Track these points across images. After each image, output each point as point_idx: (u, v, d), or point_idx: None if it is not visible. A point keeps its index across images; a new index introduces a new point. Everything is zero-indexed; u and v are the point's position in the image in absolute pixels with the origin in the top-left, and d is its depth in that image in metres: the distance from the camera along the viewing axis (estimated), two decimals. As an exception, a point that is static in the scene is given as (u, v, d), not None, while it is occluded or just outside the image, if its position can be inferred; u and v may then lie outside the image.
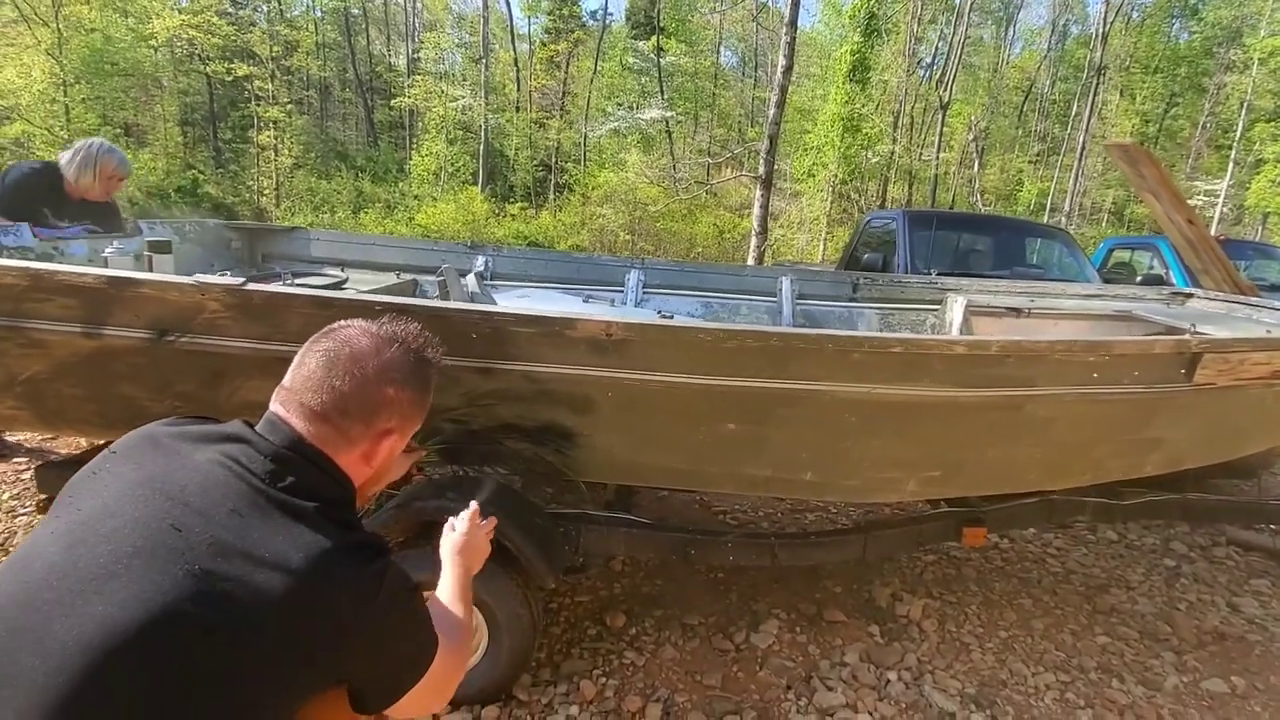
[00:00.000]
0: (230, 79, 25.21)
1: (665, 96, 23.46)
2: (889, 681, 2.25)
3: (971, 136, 22.91)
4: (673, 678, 2.24)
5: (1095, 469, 2.21)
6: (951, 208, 21.39)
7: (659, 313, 2.29)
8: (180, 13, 24.09)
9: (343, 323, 1.01)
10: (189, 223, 3.50)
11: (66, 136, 20.25)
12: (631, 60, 25.58)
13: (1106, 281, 5.28)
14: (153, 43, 23.62)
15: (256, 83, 25.62)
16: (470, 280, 2.69)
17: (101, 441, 2.34)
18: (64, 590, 0.75)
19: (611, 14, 30.26)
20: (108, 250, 2.43)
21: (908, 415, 1.91)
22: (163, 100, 26.29)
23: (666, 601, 2.67)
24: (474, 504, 1.31)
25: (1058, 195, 21.79)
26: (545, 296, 3.23)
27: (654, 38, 24.17)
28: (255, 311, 1.74)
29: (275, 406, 0.95)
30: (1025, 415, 1.98)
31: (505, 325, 1.75)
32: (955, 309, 3.48)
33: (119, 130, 23.25)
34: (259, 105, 25.57)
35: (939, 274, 4.11)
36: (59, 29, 19.57)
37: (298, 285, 3.16)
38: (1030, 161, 25.65)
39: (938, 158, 21.18)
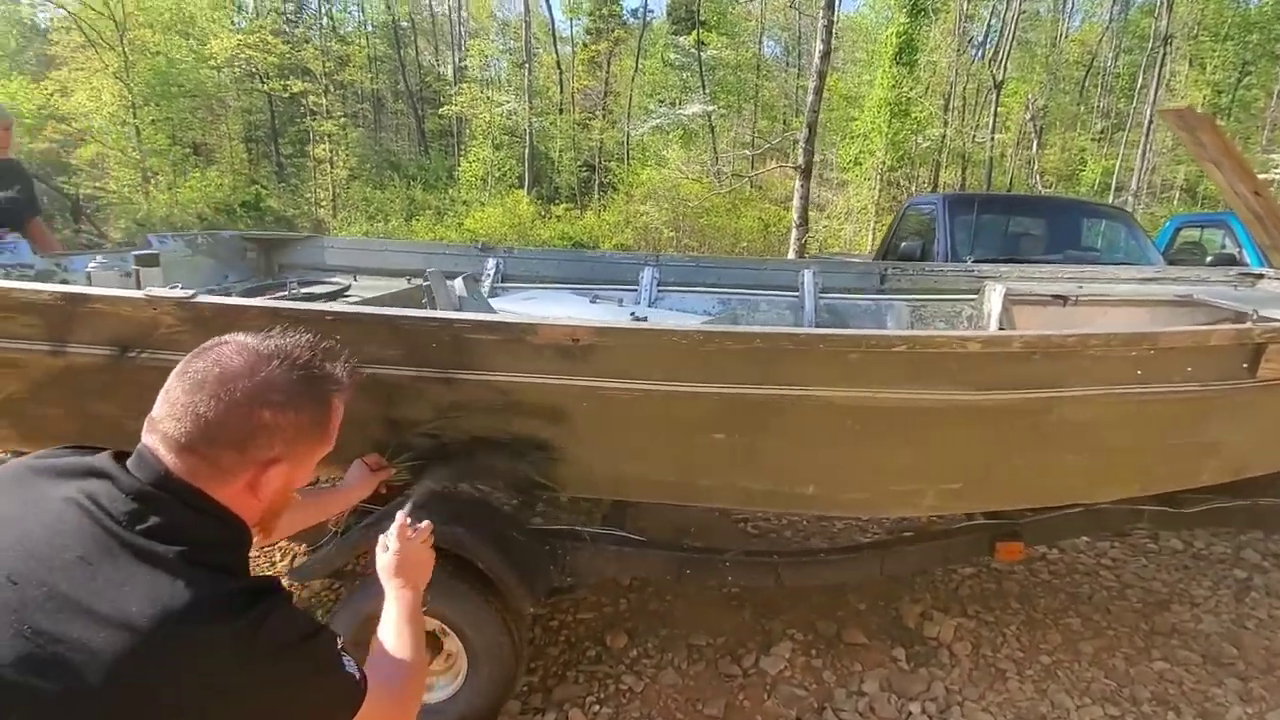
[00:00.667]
0: (288, 96, 26.19)
1: (707, 90, 23.15)
2: (910, 715, 2.04)
3: (1029, 115, 21.74)
4: (671, 706, 2.09)
5: (1144, 478, 1.94)
6: (1009, 190, 20.38)
7: (632, 315, 2.13)
8: (237, 33, 25.13)
9: (219, 339, 0.88)
10: (201, 235, 3.52)
11: (139, 157, 21.41)
12: (673, 56, 25.36)
13: (1173, 263, 4.84)
14: (213, 63, 24.68)
15: (311, 98, 26.53)
16: (457, 284, 2.59)
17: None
18: None
19: (652, 11, 30.05)
20: (91, 264, 2.43)
21: (918, 421, 1.70)
22: (227, 119, 27.48)
23: (674, 619, 2.51)
24: (400, 514, 1.19)
25: (1124, 173, 20.40)
26: (550, 298, 3.11)
27: (695, 32, 23.89)
28: (209, 324, 1.66)
29: (144, 437, 0.84)
30: (1057, 420, 1.74)
31: (464, 333, 1.62)
32: (993, 298, 3.19)
33: (188, 149, 24.41)
34: (314, 120, 26.46)
35: (977, 261, 3.81)
36: (125, 53, 20.62)
37: (301, 294, 3.13)
38: (1094, 139, 24.11)
39: (992, 139, 20.19)
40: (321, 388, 0.91)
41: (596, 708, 2.06)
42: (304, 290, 3.18)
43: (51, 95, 21.50)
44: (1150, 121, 18.16)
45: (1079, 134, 24.41)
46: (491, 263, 3.63)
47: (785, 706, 2.08)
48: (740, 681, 2.19)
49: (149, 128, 21.71)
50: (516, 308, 2.85)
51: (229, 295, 3.18)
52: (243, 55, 25.09)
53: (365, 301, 2.78)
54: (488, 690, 1.89)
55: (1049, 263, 3.86)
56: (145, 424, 0.85)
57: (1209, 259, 5.35)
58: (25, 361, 1.84)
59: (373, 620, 1.77)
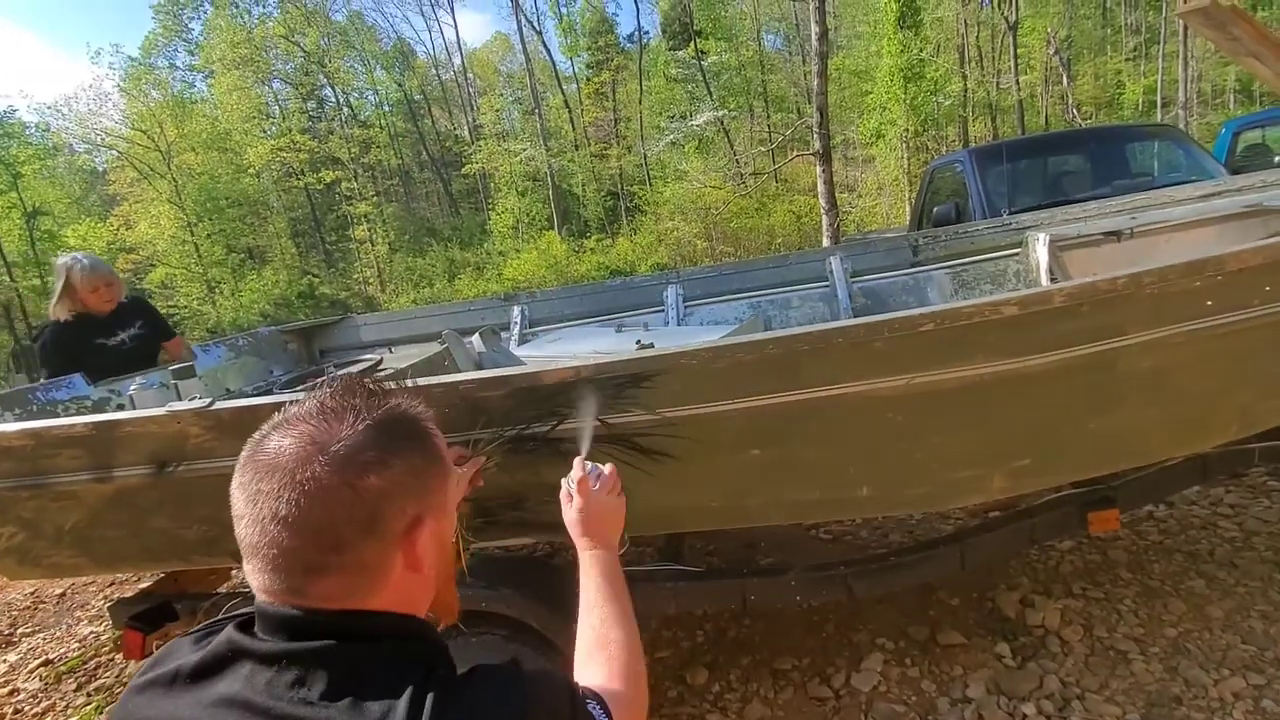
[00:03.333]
0: (321, 187, 27.67)
1: (714, 97, 23.15)
2: (1025, 717, 1.86)
3: (1052, 50, 20.78)
4: (762, 741, 1.97)
5: (1242, 418, 1.73)
6: (1047, 130, 19.45)
7: (638, 343, 2.06)
8: (269, 139, 26.76)
9: (254, 439, 0.69)
10: (242, 336, 3.66)
11: (201, 271, 22.91)
12: (674, 71, 25.55)
13: (1236, 172, 4.45)
14: (251, 171, 26.31)
15: (344, 184, 27.95)
16: (475, 340, 2.60)
17: (157, 575, 2.41)
18: None
19: (647, 31, 30.47)
20: (131, 387, 2.53)
21: (965, 401, 1.56)
22: (272, 220, 29.21)
23: (755, 645, 2.39)
24: (578, 461, 1.07)
25: (1168, 88, 19.19)
26: (577, 335, 3.08)
27: (692, 43, 24.01)
28: (231, 428, 1.69)
29: (253, 585, 0.67)
30: (1124, 372, 1.57)
31: (474, 392, 1.59)
32: (1038, 249, 2.99)
33: (243, 255, 26.02)
34: (350, 204, 27.81)
35: (1015, 212, 3.59)
36: (174, 178, 22.24)
37: (339, 376, 3.19)
38: (1128, 59, 22.82)
39: (1017, 83, 19.36)
40: (405, 421, 0.73)
41: (684, 753, 1.96)
42: (340, 372, 3.25)
43: (118, 230, 23.34)
44: (1187, 28, 17.03)
45: (1111, 57, 23.19)
46: (517, 310, 3.64)
47: (885, 725, 1.93)
48: (833, 704, 2.05)
49: (205, 242, 23.24)
50: (543, 351, 2.83)
51: (272, 390, 3.29)
52: (277, 159, 26.67)
53: (395, 374, 2.81)
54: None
55: (1100, 198, 3.60)
56: (246, 573, 0.67)
57: (1277, 159, 4.90)
58: (80, 492, 1.91)
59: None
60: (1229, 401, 1.69)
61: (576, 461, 1.07)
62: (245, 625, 0.66)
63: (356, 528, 0.64)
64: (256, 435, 0.69)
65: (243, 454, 0.68)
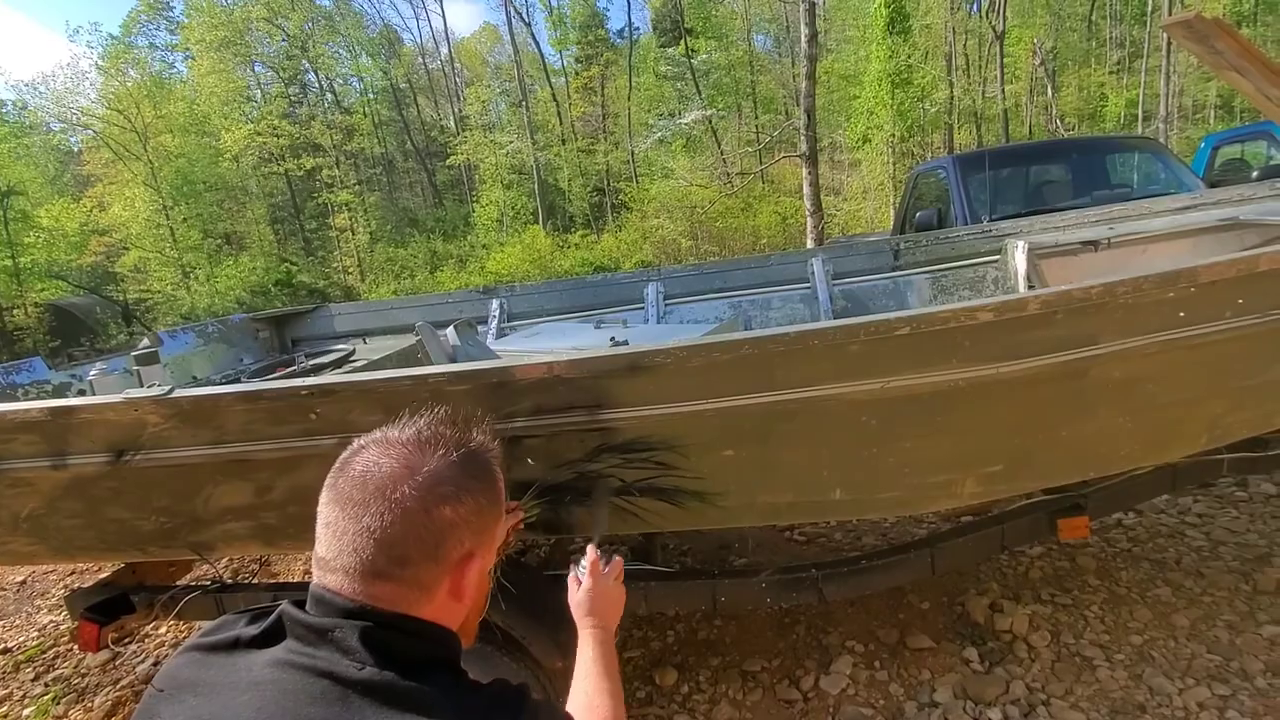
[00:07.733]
0: (301, 173, 27.27)
1: (703, 95, 23.14)
2: (990, 722, 1.86)
3: (1037, 61, 21.01)
4: (729, 743, 1.95)
5: (1212, 429, 1.74)
6: (1030, 139, 19.67)
7: (612, 339, 2.04)
8: (247, 123, 26.27)
9: (355, 446, 0.78)
10: (211, 323, 3.58)
11: (176, 255, 22.46)
12: (664, 68, 25.50)
13: (1215, 185, 4.52)
14: (229, 155, 25.81)
15: (324, 172, 27.54)
16: (449, 333, 2.55)
17: (116, 566, 2.34)
18: None
19: (637, 27, 30.36)
20: (92, 372, 2.46)
21: (939, 405, 1.56)
22: (251, 205, 28.71)
23: (725, 647, 2.38)
24: (591, 548, 1.16)
25: (1150, 101, 19.50)
26: (555, 331, 3.04)
27: (682, 41, 23.97)
28: (192, 417, 1.64)
29: (318, 576, 0.75)
30: (1096, 381, 1.57)
31: (444, 385, 1.56)
32: (1017, 256, 3.01)
33: (220, 241, 25.55)
34: (330, 192, 27.42)
35: (996, 219, 3.61)
36: (150, 160, 21.74)
37: (310, 366, 3.13)
38: (1111, 72, 23.12)
39: (1002, 92, 19.55)
40: (482, 461, 0.80)
41: (651, 755, 1.95)
42: (312, 362, 3.19)
43: (90, 211, 22.77)
44: (1169, 43, 17.32)
45: (1094, 70, 23.49)
46: (495, 304, 3.60)
47: (853, 729, 1.93)
48: (801, 707, 2.04)
49: (181, 226, 22.73)
50: (519, 346, 2.79)
51: (240, 378, 3.22)
52: (255, 143, 26.20)
53: (368, 365, 2.76)
54: (532, 753, 1.79)
55: (1079, 208, 3.63)
56: (315, 565, 0.75)
57: (1254, 174, 4.98)
58: (35, 479, 1.84)
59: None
60: (1200, 412, 1.70)
61: (590, 547, 1.15)
62: (298, 604, 0.74)
63: (423, 549, 0.72)
64: (355, 445, 0.77)
65: (339, 460, 0.76)
